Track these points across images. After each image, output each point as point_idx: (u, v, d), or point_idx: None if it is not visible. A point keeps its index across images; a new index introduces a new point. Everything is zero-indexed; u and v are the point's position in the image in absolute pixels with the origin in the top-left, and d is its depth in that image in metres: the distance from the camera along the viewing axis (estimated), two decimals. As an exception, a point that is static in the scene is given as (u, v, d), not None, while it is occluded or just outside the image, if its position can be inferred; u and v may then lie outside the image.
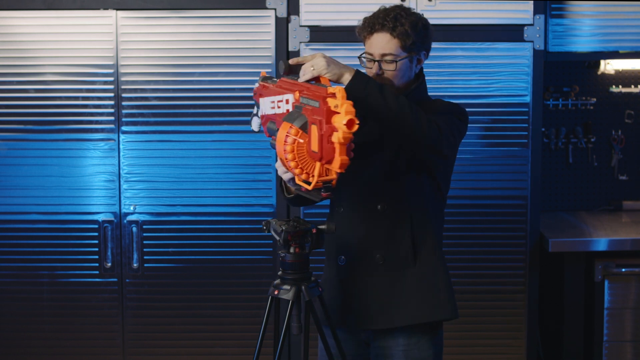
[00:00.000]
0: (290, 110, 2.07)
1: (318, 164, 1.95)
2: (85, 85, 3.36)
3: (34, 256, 3.42)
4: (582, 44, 3.55)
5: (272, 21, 3.33)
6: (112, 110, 3.37)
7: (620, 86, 4.00)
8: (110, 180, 3.39)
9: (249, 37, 3.34)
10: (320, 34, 3.33)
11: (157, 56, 3.36)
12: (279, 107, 2.15)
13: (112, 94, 3.36)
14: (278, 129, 2.08)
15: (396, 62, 2.28)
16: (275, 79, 2.25)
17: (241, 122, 3.36)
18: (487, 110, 3.37)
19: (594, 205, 4.09)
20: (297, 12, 3.33)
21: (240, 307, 3.44)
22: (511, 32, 3.34)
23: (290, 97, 2.08)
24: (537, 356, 3.59)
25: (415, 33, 2.29)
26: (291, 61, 2.14)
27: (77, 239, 3.41)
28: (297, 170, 1.98)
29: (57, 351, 3.46)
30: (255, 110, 2.38)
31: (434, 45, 3.33)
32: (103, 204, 3.40)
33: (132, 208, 3.40)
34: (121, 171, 3.38)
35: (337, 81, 2.10)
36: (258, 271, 3.42)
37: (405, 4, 3.30)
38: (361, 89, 2.08)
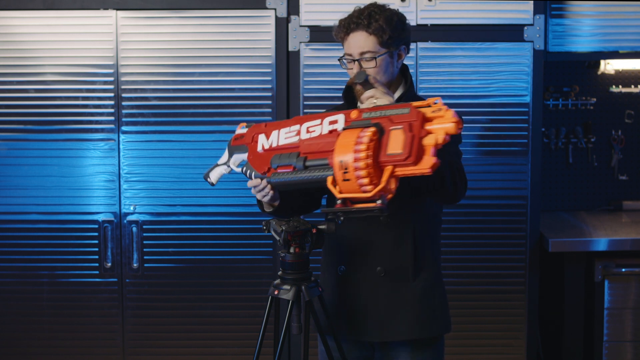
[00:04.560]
0: (340, 129, 2.01)
1: (390, 169, 1.90)
2: (85, 85, 3.36)
3: (34, 256, 3.42)
4: (582, 44, 3.56)
5: (272, 21, 3.33)
6: (112, 110, 3.37)
7: (620, 86, 4.00)
8: (110, 180, 3.39)
9: (249, 37, 3.34)
10: (320, 34, 3.33)
11: (157, 56, 3.36)
12: (309, 132, 2.08)
13: (112, 94, 3.36)
14: (300, 157, 2.04)
15: (375, 59, 2.27)
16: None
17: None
18: (487, 110, 3.37)
19: (594, 205, 4.09)
20: (297, 12, 3.33)
21: (240, 307, 3.44)
22: (511, 32, 3.34)
23: (339, 117, 2.04)
24: (537, 356, 3.59)
25: (391, 28, 2.27)
26: (370, 79, 2.17)
27: (77, 239, 3.41)
28: (363, 173, 1.89)
29: (57, 351, 3.46)
30: (222, 160, 2.28)
31: (434, 45, 3.35)
32: (103, 204, 3.40)
33: (132, 208, 3.40)
34: (121, 171, 3.38)
35: None
36: (258, 271, 3.42)
37: (405, 4, 3.30)
38: None
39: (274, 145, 2.15)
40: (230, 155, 2.27)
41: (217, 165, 2.31)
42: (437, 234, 2.44)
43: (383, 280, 2.34)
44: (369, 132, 1.91)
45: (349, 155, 1.89)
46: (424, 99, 2.42)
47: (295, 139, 2.10)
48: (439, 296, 2.40)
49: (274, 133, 2.16)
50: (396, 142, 1.88)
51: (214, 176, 2.31)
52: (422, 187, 2.18)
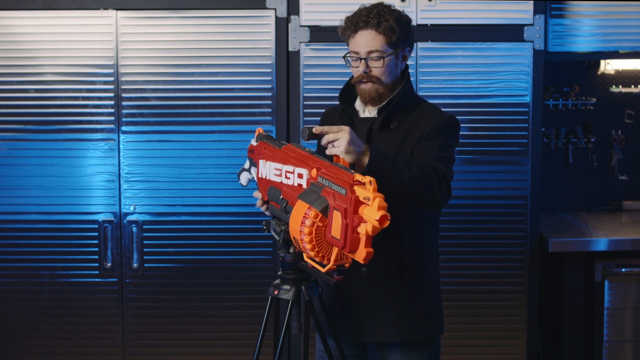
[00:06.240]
0: (304, 186, 1.99)
1: (336, 250, 1.88)
2: (85, 85, 3.37)
3: (34, 256, 3.42)
4: (582, 44, 3.56)
5: (272, 21, 3.33)
6: (112, 110, 3.37)
7: (620, 86, 4.00)
8: (110, 180, 3.39)
9: (249, 37, 3.35)
10: (320, 34, 3.33)
11: (157, 56, 3.36)
12: (287, 178, 2.07)
13: (112, 94, 3.36)
14: (283, 198, 2.05)
15: (383, 58, 2.27)
16: (279, 142, 2.19)
17: (241, 122, 3.36)
18: (487, 110, 3.37)
19: (594, 205, 4.09)
20: (297, 12, 3.33)
21: (240, 307, 3.44)
22: (511, 32, 3.35)
23: (304, 172, 2.00)
24: (537, 356, 3.59)
25: (400, 28, 2.28)
26: (315, 129, 2.07)
27: (77, 239, 3.41)
28: (312, 253, 1.90)
29: (57, 351, 3.46)
30: (246, 165, 2.34)
31: (434, 45, 3.35)
32: (103, 204, 3.40)
33: (132, 208, 3.40)
34: (121, 171, 3.38)
35: (354, 163, 2.06)
36: (258, 271, 3.42)
37: (405, 4, 3.31)
38: (378, 171, 2.05)
39: (267, 177, 2.19)
40: (250, 164, 2.32)
41: (244, 169, 2.36)
42: (430, 235, 2.40)
43: (367, 281, 2.33)
44: (312, 214, 1.87)
45: (296, 231, 1.91)
46: (419, 99, 2.43)
47: (279, 179, 2.12)
48: (426, 298, 2.37)
49: (268, 164, 2.18)
50: (336, 226, 1.83)
51: (243, 179, 2.37)
52: (396, 191, 2.11)
